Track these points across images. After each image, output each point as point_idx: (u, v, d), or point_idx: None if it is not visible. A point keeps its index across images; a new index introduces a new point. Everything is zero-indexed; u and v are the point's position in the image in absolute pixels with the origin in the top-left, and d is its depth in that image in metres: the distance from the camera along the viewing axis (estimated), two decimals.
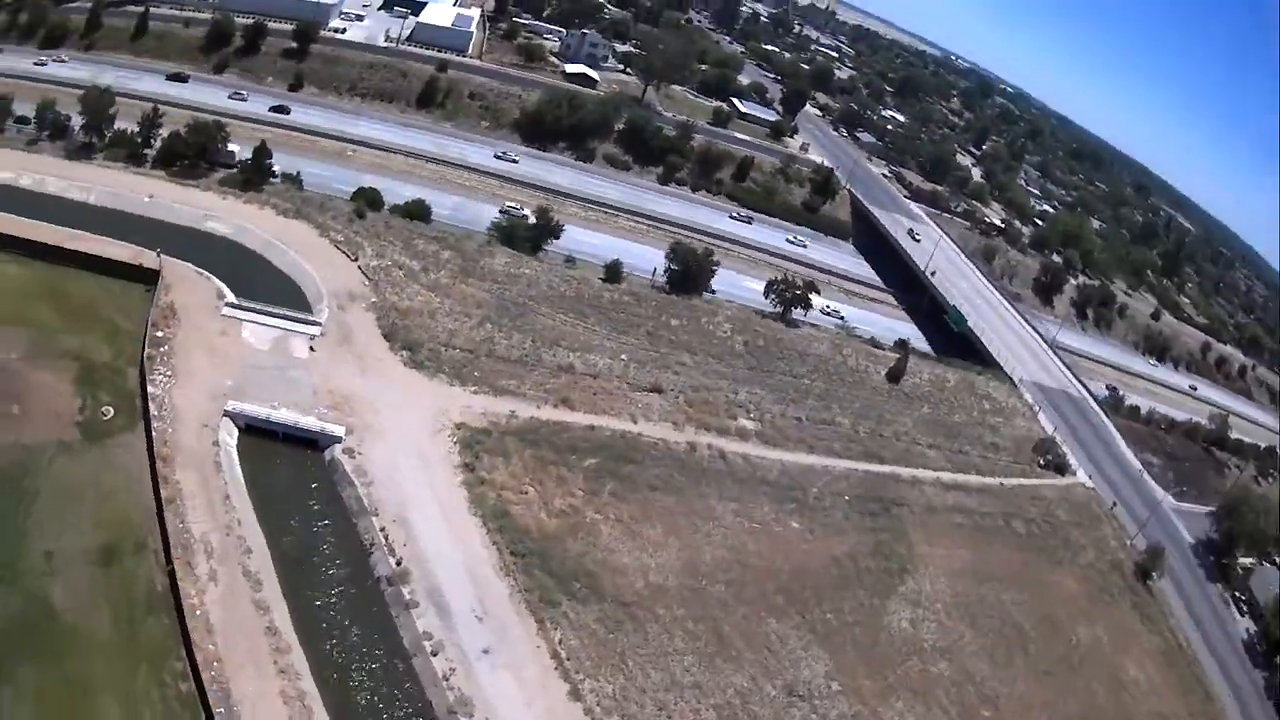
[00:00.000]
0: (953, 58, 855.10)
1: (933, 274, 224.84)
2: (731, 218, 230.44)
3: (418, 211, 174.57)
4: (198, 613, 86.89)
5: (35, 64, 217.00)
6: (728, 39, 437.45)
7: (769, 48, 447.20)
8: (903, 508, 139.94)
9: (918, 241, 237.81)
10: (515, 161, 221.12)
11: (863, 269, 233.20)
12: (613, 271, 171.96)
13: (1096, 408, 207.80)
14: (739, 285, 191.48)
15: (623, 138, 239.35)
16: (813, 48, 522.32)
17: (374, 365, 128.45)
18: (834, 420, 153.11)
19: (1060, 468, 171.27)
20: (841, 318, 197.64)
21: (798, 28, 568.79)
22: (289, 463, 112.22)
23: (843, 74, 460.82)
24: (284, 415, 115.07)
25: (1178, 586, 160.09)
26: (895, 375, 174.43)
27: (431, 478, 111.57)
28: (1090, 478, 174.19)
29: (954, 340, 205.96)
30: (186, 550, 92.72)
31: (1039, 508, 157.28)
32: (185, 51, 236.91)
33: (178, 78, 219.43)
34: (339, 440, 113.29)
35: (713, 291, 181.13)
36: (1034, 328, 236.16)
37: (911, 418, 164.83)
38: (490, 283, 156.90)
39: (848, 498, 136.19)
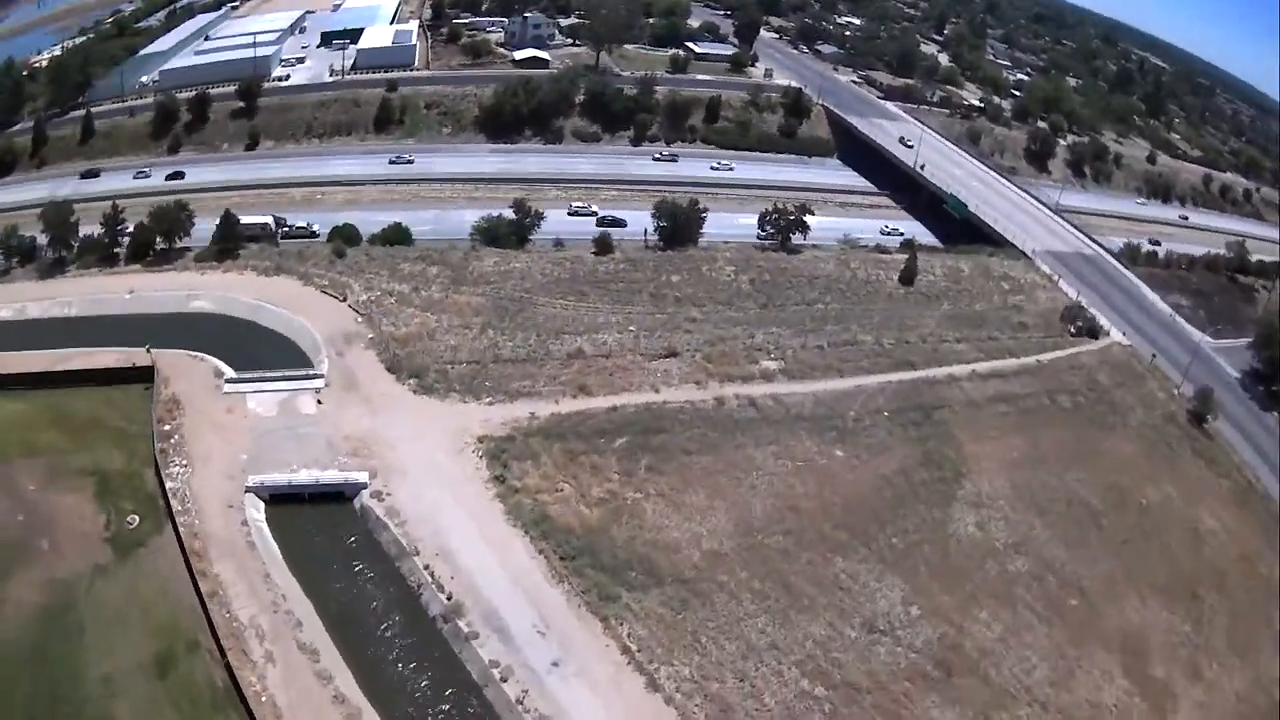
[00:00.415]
0: None
1: (922, 167, 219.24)
2: (655, 159, 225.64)
3: (396, 236, 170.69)
4: (263, 700, 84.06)
5: None
6: None
7: None
8: (944, 409, 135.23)
9: (910, 148, 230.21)
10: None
11: (855, 180, 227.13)
12: (602, 243, 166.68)
13: (1114, 262, 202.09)
14: (734, 225, 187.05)
15: (586, 109, 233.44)
16: None
17: (383, 402, 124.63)
18: (856, 339, 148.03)
19: (1093, 331, 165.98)
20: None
21: None
22: (321, 521, 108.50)
23: None
24: (305, 476, 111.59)
25: (1235, 424, 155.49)
26: (908, 277, 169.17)
27: (463, 499, 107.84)
28: (1125, 335, 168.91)
29: (960, 228, 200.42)
30: (238, 639, 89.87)
31: (1080, 376, 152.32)
32: (135, 141, 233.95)
33: (144, 174, 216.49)
34: (364, 486, 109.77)
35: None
36: (1035, 197, 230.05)
37: (934, 317, 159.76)
38: (483, 286, 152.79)
39: (887, 413, 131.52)
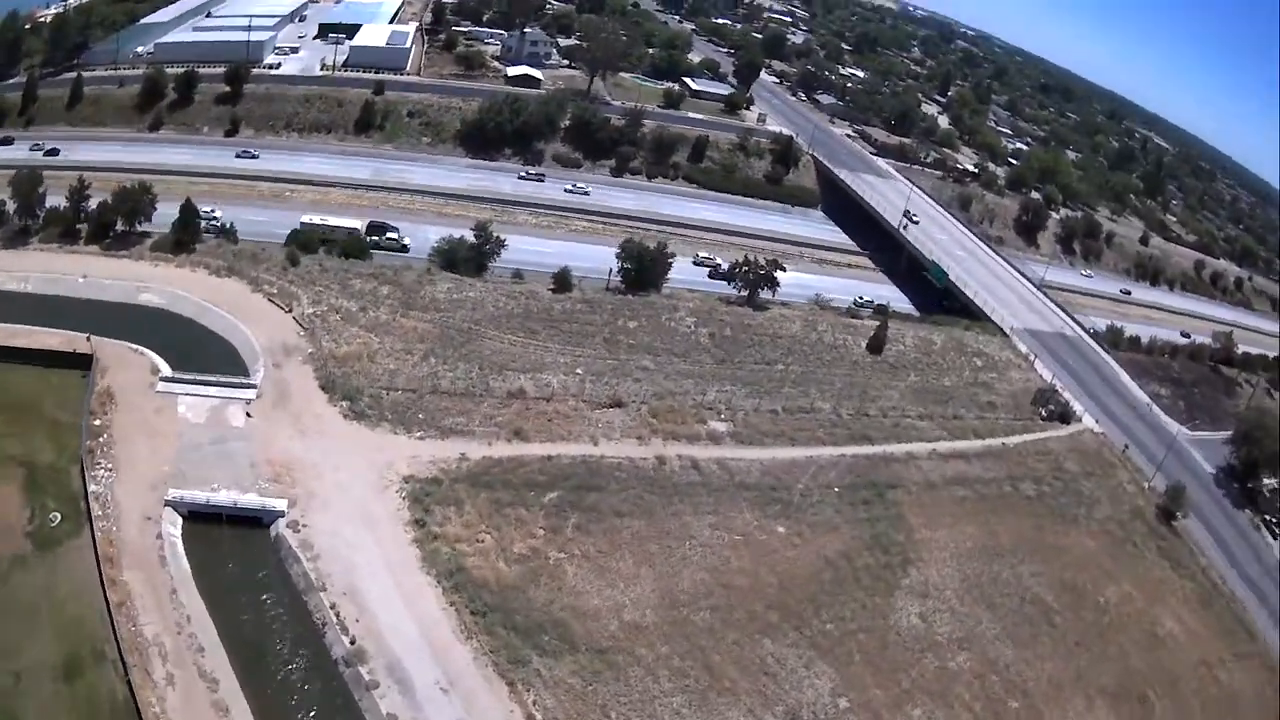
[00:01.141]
0: (910, 8, 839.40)
1: (905, 228, 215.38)
2: (520, 177, 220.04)
3: (354, 248, 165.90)
4: None
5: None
6: (677, 18, 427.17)
7: (720, 21, 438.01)
8: (898, 489, 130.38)
9: (916, 223, 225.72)
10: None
11: (836, 236, 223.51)
12: (561, 280, 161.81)
13: (1095, 345, 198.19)
14: (701, 273, 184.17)
15: (570, 135, 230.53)
16: (765, 15, 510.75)
17: (313, 423, 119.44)
18: (814, 406, 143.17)
19: (1064, 416, 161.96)
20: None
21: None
22: (236, 546, 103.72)
23: (797, 39, 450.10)
24: (224, 496, 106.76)
25: (1204, 522, 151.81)
26: (876, 345, 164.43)
27: (380, 541, 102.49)
28: (1097, 421, 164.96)
29: (938, 297, 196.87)
30: (141, 655, 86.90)
31: (1046, 463, 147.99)
32: (120, 113, 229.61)
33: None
34: (281, 515, 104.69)
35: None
36: (1020, 271, 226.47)
37: (899, 389, 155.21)
38: (433, 313, 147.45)
39: (837, 489, 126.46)
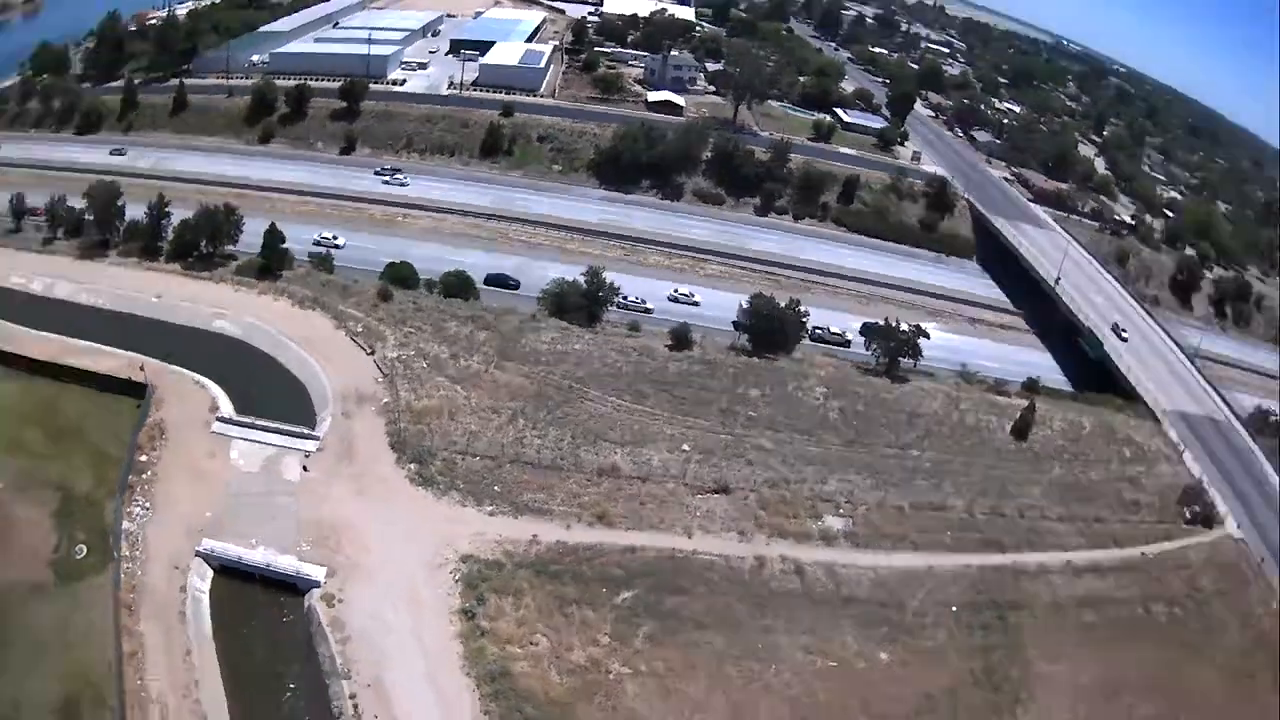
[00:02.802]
0: (1064, 43, 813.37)
1: (1057, 281, 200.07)
2: (382, 181, 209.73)
3: (457, 285, 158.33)
4: None
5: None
6: (832, 45, 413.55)
7: (876, 50, 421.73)
8: (1022, 610, 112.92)
9: (1124, 339, 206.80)
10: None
11: (990, 291, 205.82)
12: (679, 337, 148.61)
13: (1242, 430, 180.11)
14: (847, 325, 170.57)
15: (712, 168, 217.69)
16: (922, 45, 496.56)
17: (374, 485, 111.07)
18: (945, 503, 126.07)
19: (1208, 519, 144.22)
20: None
21: (905, 27, 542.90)
22: (265, 611, 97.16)
23: (954, 70, 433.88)
24: (260, 555, 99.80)
25: None
26: (1021, 430, 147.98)
27: (421, 629, 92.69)
28: (1239, 526, 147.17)
29: (1091, 367, 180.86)
30: (142, 712, 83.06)
31: (1183, 580, 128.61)
32: (228, 124, 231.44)
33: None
34: (317, 585, 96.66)
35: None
36: (1173, 339, 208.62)
37: (1040, 483, 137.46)
38: (531, 365, 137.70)
39: (955, 608, 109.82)
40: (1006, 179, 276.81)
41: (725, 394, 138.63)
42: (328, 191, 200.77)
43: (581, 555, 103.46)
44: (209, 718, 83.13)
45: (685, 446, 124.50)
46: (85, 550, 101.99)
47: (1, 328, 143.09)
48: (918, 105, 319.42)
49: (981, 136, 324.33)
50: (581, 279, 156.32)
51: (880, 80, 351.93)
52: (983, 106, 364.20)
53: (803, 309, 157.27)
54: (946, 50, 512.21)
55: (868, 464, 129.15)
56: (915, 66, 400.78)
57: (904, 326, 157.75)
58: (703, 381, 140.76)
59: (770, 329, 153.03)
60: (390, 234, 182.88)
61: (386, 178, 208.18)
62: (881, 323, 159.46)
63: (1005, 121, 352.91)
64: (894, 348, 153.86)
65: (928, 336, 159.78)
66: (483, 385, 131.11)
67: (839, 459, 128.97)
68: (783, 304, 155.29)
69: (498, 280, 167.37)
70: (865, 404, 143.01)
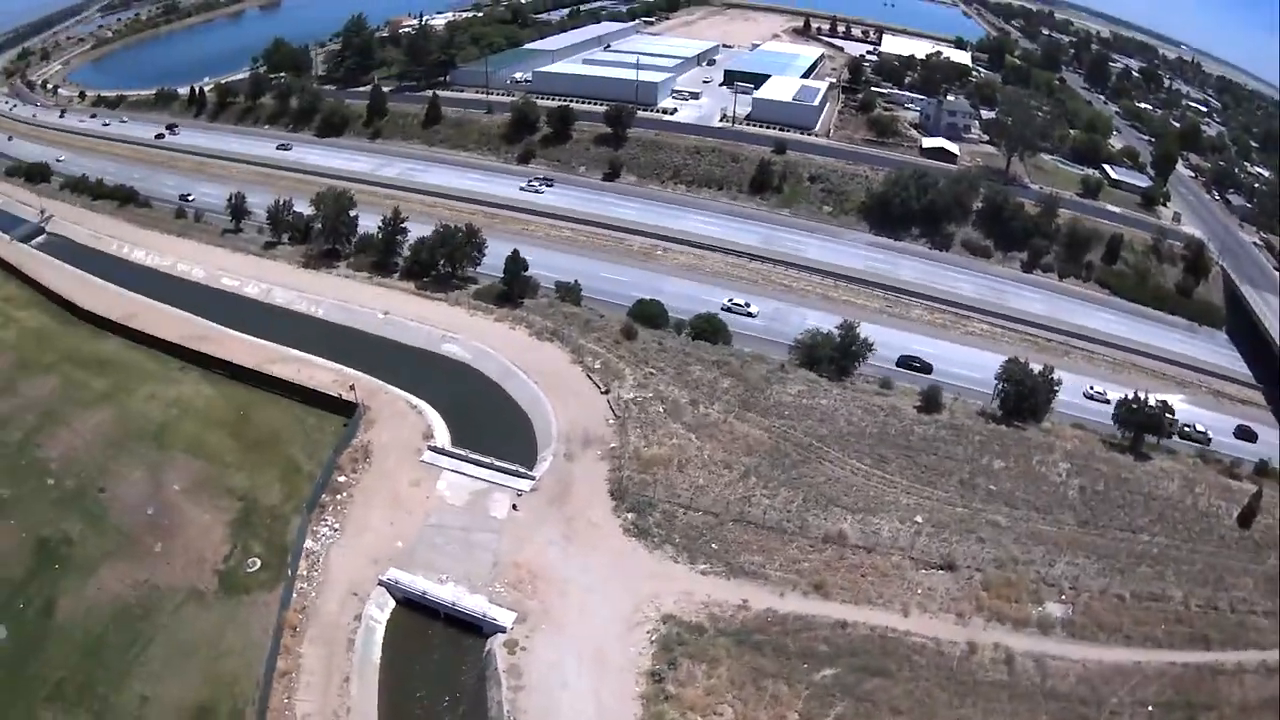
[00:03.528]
0: None
1: None
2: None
3: (708, 328, 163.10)
4: None
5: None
6: (1101, 98, 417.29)
7: (1142, 106, 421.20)
8: (1212, 712, 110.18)
9: None
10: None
11: (1237, 364, 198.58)
12: (930, 399, 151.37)
13: None
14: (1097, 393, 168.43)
15: (982, 219, 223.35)
16: (1183, 103, 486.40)
17: (584, 531, 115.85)
18: (1165, 593, 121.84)
19: None
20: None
21: (1167, 82, 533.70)
22: (442, 650, 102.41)
23: (1211, 130, 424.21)
24: (447, 592, 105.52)
25: None
26: (1246, 518, 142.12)
27: (602, 688, 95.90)
28: None
29: None
30: None
31: None
32: (485, 141, 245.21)
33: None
34: (503, 630, 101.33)
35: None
36: None
37: (1255, 576, 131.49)
38: (774, 419, 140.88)
39: (1151, 707, 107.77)
40: (1256, 244, 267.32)
41: (968, 463, 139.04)
42: (587, 218, 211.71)
43: (789, 626, 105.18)
44: None
45: (918, 518, 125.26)
46: (258, 564, 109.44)
47: (207, 330, 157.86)
48: (1178, 164, 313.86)
49: (1235, 201, 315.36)
50: (836, 331, 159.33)
51: (1144, 137, 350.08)
52: (1236, 169, 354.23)
53: (1055, 376, 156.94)
54: (1204, 109, 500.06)
55: (1098, 547, 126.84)
56: (1177, 125, 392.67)
57: (1153, 401, 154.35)
58: (948, 449, 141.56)
59: (1021, 396, 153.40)
60: (645, 267, 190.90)
61: (531, 186, 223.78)
62: (1130, 395, 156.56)
63: (1256, 186, 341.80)
64: (1141, 424, 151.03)
65: (1172, 414, 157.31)
66: (719, 436, 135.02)
67: (1070, 540, 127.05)
68: (1037, 368, 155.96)
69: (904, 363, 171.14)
70: (1106, 482, 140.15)
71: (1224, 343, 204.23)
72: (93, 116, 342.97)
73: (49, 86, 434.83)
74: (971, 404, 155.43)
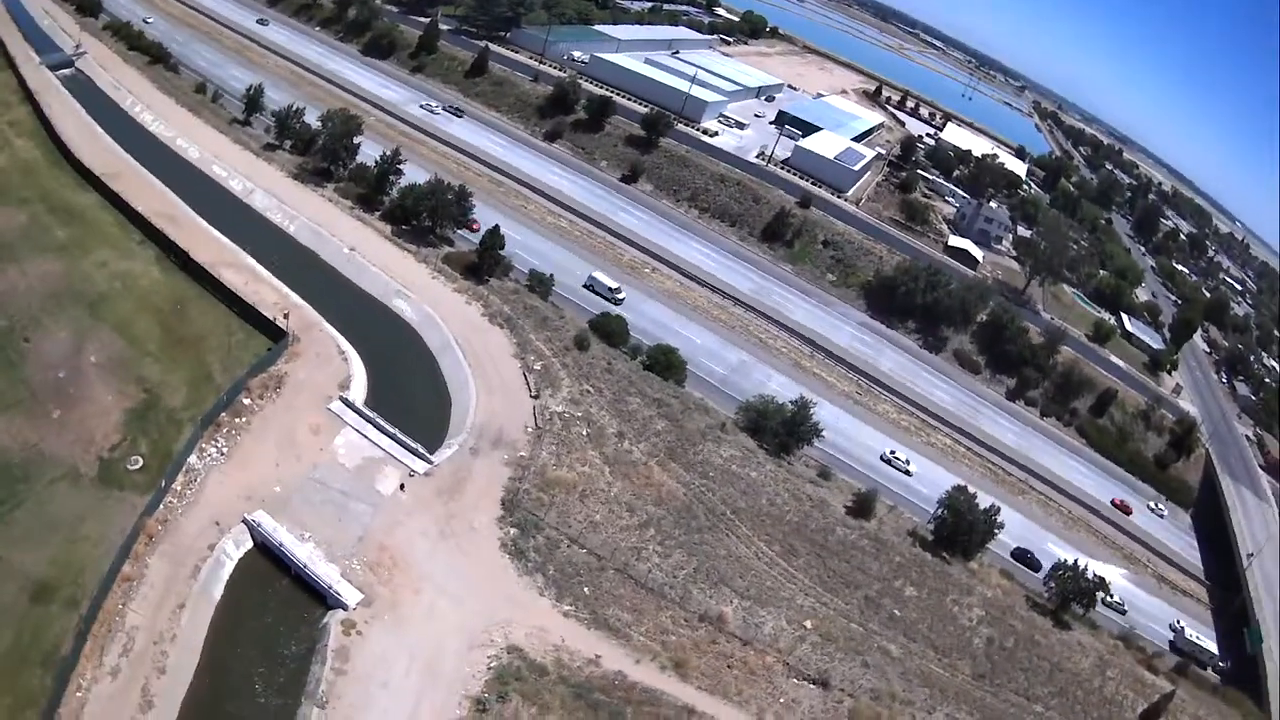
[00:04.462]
0: None
1: (1250, 557, 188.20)
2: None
3: (664, 360, 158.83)
4: (76, 695, 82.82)
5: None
6: (1141, 249, 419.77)
7: (1179, 267, 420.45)
8: None
9: None
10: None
11: (1191, 552, 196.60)
12: (863, 503, 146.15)
13: None
14: (1039, 548, 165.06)
15: (982, 333, 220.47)
16: (1220, 275, 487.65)
17: (461, 533, 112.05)
18: None
19: None
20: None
21: (1211, 252, 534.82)
22: (283, 610, 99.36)
23: (1239, 310, 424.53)
24: (302, 551, 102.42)
25: None
26: (1151, 716, 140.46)
27: (424, 698, 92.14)
28: None
29: (1246, 661, 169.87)
30: (107, 631, 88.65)
31: None
32: (519, 106, 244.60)
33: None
34: (345, 608, 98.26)
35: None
36: None
37: None
38: (695, 476, 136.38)
39: None
40: (1249, 439, 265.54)
41: (880, 581, 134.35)
42: (589, 214, 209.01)
43: (634, 695, 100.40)
44: (166, 674, 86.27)
45: (808, 623, 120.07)
46: (139, 464, 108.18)
47: (178, 211, 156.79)
48: (1196, 336, 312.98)
49: (1242, 388, 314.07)
50: (790, 404, 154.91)
51: (1172, 298, 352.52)
52: (1252, 356, 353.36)
53: (999, 519, 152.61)
54: (1239, 288, 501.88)
55: (987, 706, 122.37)
56: (1208, 295, 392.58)
57: (1091, 574, 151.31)
58: (864, 560, 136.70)
59: (958, 529, 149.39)
60: (629, 281, 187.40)
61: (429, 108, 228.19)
62: (1070, 562, 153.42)
63: (1265, 381, 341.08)
64: (1069, 593, 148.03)
65: (1108, 592, 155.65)
66: (633, 477, 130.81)
67: (960, 691, 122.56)
68: (985, 504, 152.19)
69: None
70: (1016, 642, 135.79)
71: (1186, 526, 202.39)
72: None
73: None
74: (905, 519, 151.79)
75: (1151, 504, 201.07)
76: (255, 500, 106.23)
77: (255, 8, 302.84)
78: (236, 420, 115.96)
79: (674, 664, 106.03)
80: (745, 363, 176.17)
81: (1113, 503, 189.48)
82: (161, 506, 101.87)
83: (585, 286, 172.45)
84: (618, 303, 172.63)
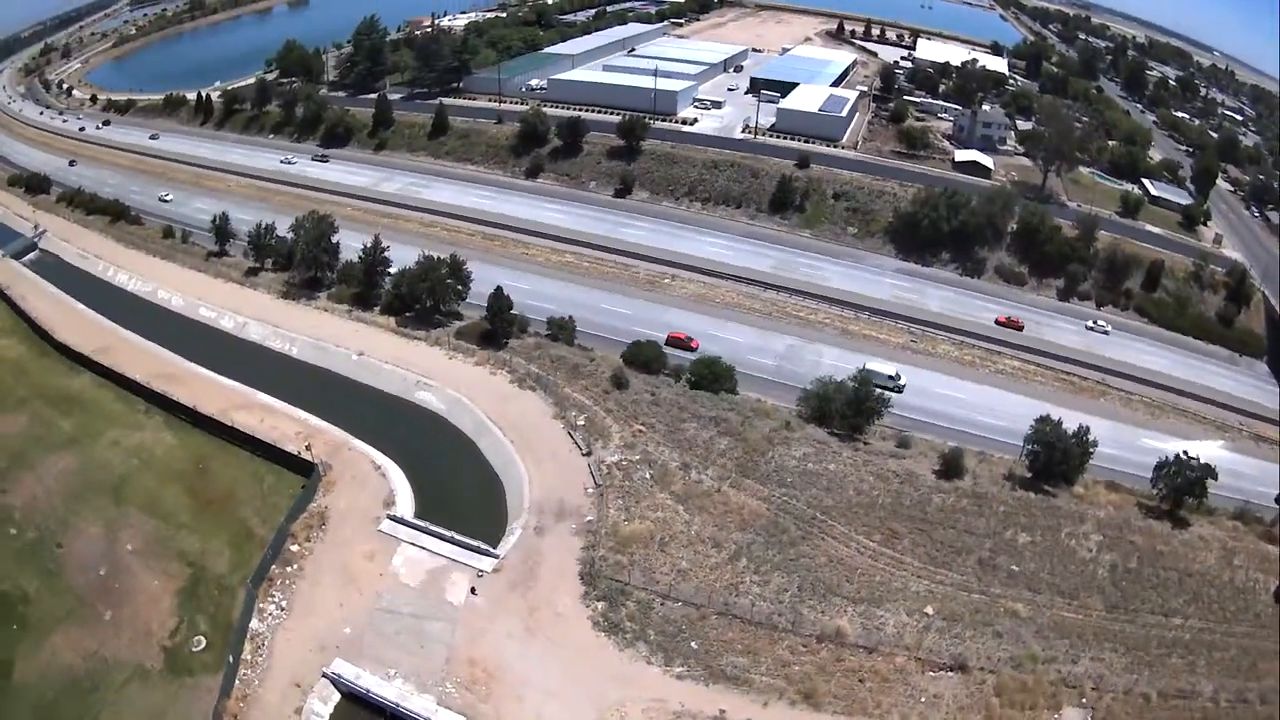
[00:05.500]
0: None
1: None
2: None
3: (709, 373, 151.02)
4: None
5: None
6: (1138, 107, 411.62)
7: (1179, 115, 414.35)
8: None
9: None
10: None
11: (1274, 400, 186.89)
12: (951, 463, 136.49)
13: None
14: (1136, 448, 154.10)
15: (1016, 243, 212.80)
16: (1219, 112, 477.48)
17: (549, 623, 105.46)
18: (1195, 688, 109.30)
19: None
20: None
21: (1204, 91, 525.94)
22: None
23: (1247, 140, 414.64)
24: (392, 689, 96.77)
25: None
26: None
27: None
28: None
29: None
30: None
31: None
32: (493, 153, 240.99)
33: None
34: None
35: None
36: None
37: None
38: (774, 487, 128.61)
39: None
40: None
41: (990, 539, 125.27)
42: (593, 240, 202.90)
43: None
44: None
45: (929, 609, 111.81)
46: (203, 644, 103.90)
47: (177, 367, 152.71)
48: (1218, 180, 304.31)
49: (1275, 216, 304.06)
50: (850, 382, 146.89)
51: (1182, 148, 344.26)
52: (1275, 184, 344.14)
53: (1091, 438, 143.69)
54: (1240, 118, 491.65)
55: (1127, 636, 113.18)
56: (1214, 135, 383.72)
57: (1195, 461, 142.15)
58: (968, 521, 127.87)
59: (1052, 460, 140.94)
60: (651, 298, 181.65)
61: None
62: (1172, 458, 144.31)
63: None
64: (1179, 489, 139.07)
65: (1215, 476, 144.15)
66: (710, 508, 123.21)
67: (1098, 630, 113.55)
68: (1071, 427, 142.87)
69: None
70: (1139, 557, 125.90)
71: (1264, 374, 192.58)
72: (105, 124, 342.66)
73: (64, 87, 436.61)
74: (997, 465, 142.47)
75: (1090, 323, 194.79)
76: (329, 649, 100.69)
77: (203, 133, 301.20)
78: (288, 570, 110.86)
79: (803, 696, 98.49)
80: (792, 346, 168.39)
81: (997, 321, 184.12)
82: (237, 682, 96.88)
83: (857, 381, 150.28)
84: (900, 390, 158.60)
